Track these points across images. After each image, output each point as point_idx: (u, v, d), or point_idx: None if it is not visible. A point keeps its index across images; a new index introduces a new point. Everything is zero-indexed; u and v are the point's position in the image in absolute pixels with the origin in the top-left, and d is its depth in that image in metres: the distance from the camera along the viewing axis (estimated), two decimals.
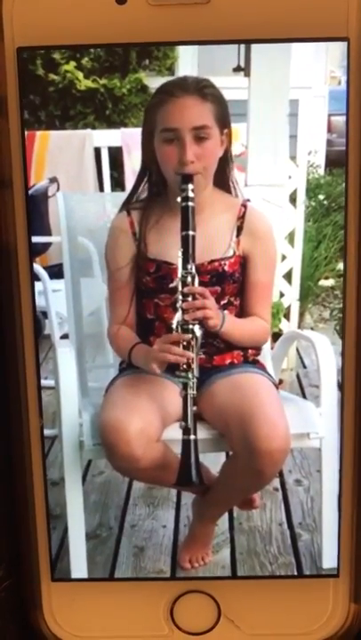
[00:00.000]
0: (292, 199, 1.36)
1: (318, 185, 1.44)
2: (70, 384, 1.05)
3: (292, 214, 1.36)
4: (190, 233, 0.94)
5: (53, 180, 1.27)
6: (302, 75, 1.23)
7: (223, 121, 0.98)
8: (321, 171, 1.44)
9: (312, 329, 1.47)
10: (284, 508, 1.23)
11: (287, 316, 1.41)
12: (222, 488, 1.05)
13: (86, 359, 1.18)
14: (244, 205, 1.05)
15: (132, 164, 1.35)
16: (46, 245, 1.22)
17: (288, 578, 1.01)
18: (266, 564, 1.10)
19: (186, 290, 0.95)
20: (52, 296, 1.21)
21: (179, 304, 0.95)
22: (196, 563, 1.10)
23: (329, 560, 1.05)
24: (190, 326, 0.95)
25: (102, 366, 1.22)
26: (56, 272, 1.17)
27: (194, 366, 0.94)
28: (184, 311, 0.95)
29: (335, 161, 1.40)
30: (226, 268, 1.03)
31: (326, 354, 1.09)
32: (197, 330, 0.95)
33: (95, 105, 1.37)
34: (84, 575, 1.03)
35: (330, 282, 1.47)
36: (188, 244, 0.94)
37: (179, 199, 0.95)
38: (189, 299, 0.95)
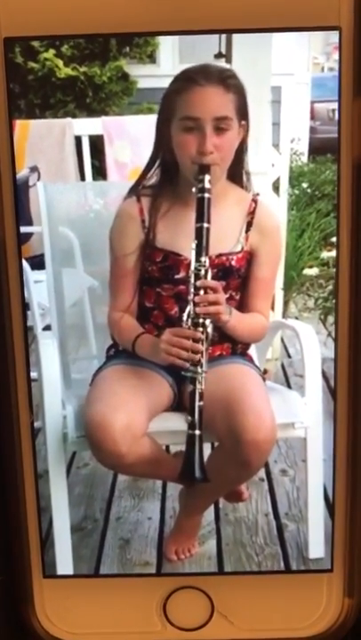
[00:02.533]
0: (276, 187, 1.35)
1: (302, 173, 1.44)
2: (53, 376, 1.05)
3: (276, 202, 1.36)
4: (205, 225, 0.93)
5: (34, 169, 1.26)
6: (285, 61, 1.22)
7: (242, 112, 0.98)
8: (304, 158, 1.44)
9: (297, 318, 1.46)
10: (269, 499, 1.23)
11: (272, 306, 1.41)
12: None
13: (69, 351, 1.17)
14: (255, 200, 1.04)
15: (114, 153, 1.34)
16: (27, 236, 1.21)
17: (282, 573, 1.01)
18: (252, 554, 1.10)
19: (199, 283, 0.94)
20: (33, 287, 1.19)
21: (190, 297, 0.94)
22: (182, 554, 1.10)
23: (315, 550, 1.06)
24: (201, 320, 0.94)
25: (86, 358, 1.21)
26: (37, 263, 1.16)
27: (203, 360, 0.94)
28: (195, 305, 0.94)
29: (319, 148, 1.39)
30: (233, 262, 1.02)
31: (311, 343, 1.09)
32: (209, 324, 0.95)
33: (75, 93, 1.36)
34: (70, 567, 1.03)
35: (314, 271, 1.46)
36: (202, 237, 0.93)
37: (194, 190, 0.94)
38: (201, 292, 0.94)
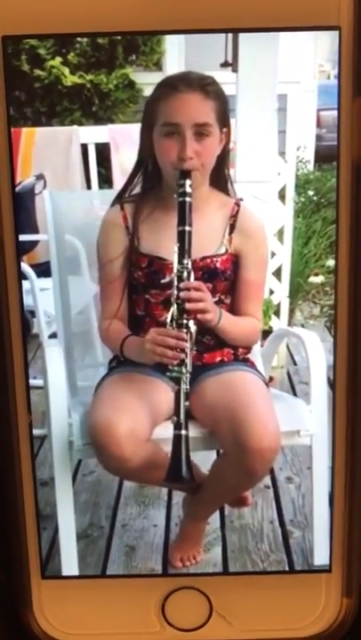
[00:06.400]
0: (282, 195, 1.36)
1: (308, 180, 1.44)
2: (59, 383, 1.04)
3: (282, 210, 1.36)
4: (187, 228, 0.94)
5: (40, 177, 1.26)
6: (291, 69, 1.22)
7: (224, 119, 0.98)
8: (310, 166, 1.44)
9: (302, 326, 1.47)
10: (275, 506, 1.23)
11: (277, 314, 1.41)
12: (213, 486, 1.05)
13: (75, 358, 1.17)
14: (238, 204, 1.05)
15: (120, 161, 1.34)
16: (33, 243, 1.21)
17: (280, 573, 1.01)
18: (258, 561, 1.10)
19: (182, 285, 0.94)
20: (39, 295, 1.20)
21: (174, 298, 0.95)
22: (187, 561, 1.10)
23: (321, 557, 1.05)
24: (185, 321, 0.94)
25: (91, 365, 1.21)
26: (44, 270, 1.17)
27: (187, 361, 0.94)
28: (179, 305, 0.94)
29: (325, 156, 1.39)
30: (218, 265, 1.03)
31: (316, 351, 1.09)
32: (192, 324, 0.95)
33: (82, 101, 1.36)
34: (76, 574, 1.03)
35: (320, 278, 1.47)
36: (184, 240, 0.94)
37: (175, 195, 0.95)
38: (183, 293, 0.94)
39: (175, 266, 0.95)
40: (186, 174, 0.96)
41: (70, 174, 1.36)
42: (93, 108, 1.38)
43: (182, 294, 0.94)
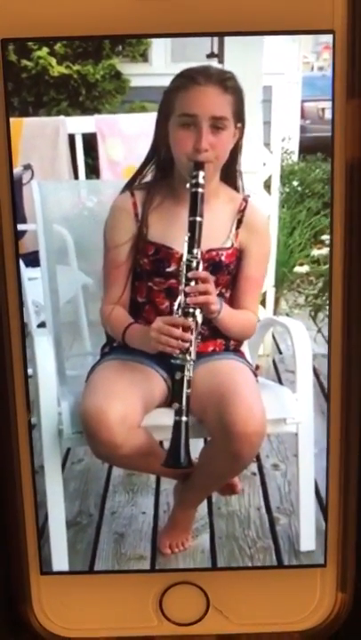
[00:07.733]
0: (267, 186, 1.37)
1: (292, 171, 1.45)
2: (48, 372, 1.05)
3: (267, 201, 1.37)
4: (198, 219, 0.95)
5: (27, 167, 1.26)
6: (276, 61, 1.23)
7: (239, 115, 1.00)
8: (295, 157, 1.45)
9: (287, 315, 1.48)
10: (262, 493, 1.24)
11: (263, 303, 1.42)
12: (202, 473, 1.06)
13: (64, 347, 1.18)
14: (245, 200, 1.07)
15: (106, 151, 1.34)
16: (21, 233, 1.21)
17: (276, 568, 1.02)
18: (245, 547, 1.11)
19: (190, 274, 0.96)
20: (28, 284, 1.20)
21: (182, 287, 0.96)
22: (176, 548, 1.11)
23: (306, 543, 1.07)
24: (191, 310, 0.96)
25: (80, 354, 1.21)
26: (31, 260, 1.17)
27: (192, 349, 0.96)
28: (186, 295, 0.96)
29: (309, 147, 1.41)
30: (223, 258, 1.04)
31: (302, 339, 1.10)
32: (198, 314, 0.96)
33: (68, 91, 1.36)
34: (65, 562, 1.03)
35: (304, 268, 1.48)
36: (195, 230, 0.96)
37: (188, 185, 0.96)
38: (192, 283, 0.96)
39: (185, 255, 0.96)
40: (200, 166, 0.97)
41: (57, 164, 1.36)
42: (80, 99, 1.38)
43: (188, 289, 0.96)
